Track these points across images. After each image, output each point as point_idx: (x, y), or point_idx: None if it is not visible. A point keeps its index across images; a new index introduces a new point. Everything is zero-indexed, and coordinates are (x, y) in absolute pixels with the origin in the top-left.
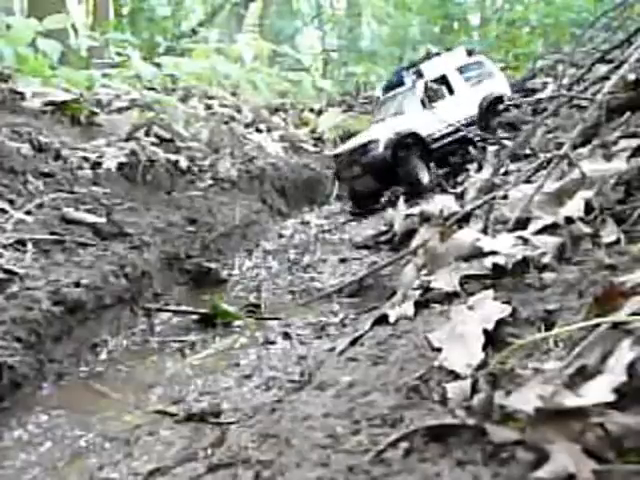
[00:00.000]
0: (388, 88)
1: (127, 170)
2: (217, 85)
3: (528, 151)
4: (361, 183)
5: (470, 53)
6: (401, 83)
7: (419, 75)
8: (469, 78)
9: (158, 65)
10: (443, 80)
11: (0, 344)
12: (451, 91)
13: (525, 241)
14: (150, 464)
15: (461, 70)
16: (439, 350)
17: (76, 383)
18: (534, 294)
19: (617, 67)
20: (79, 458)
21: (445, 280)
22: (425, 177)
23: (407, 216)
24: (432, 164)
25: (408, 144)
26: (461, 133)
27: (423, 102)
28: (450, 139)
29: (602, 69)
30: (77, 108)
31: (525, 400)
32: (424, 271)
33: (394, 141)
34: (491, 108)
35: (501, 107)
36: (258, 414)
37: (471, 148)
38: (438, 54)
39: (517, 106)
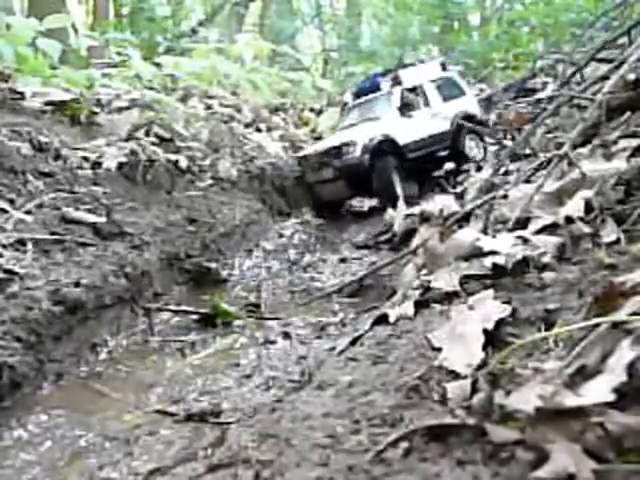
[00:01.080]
0: (359, 94)
1: (127, 170)
2: (217, 85)
3: (528, 151)
4: (331, 188)
5: (444, 67)
6: (375, 89)
7: (397, 82)
8: (443, 93)
9: (158, 65)
10: (419, 91)
11: (0, 344)
12: (427, 103)
13: (525, 241)
14: (150, 464)
15: (436, 83)
16: (439, 350)
17: (76, 383)
18: (534, 294)
19: (617, 67)
20: (79, 458)
21: (445, 280)
22: (399, 189)
23: (407, 216)
24: (404, 175)
25: (385, 151)
26: (434, 147)
27: (401, 109)
28: (425, 151)
29: (602, 68)
30: (77, 108)
31: (525, 400)
32: (424, 271)
33: (372, 146)
34: (462, 126)
35: (471, 126)
36: (258, 414)
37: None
38: (413, 64)
39: (485, 125)
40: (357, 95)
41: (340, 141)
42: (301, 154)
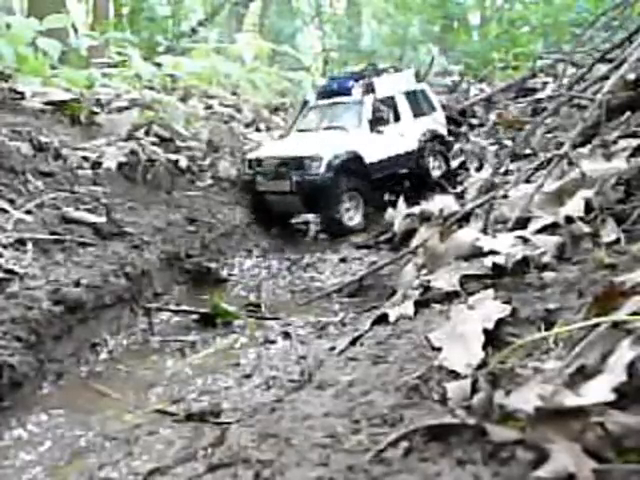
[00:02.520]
0: (325, 94)
1: (127, 170)
2: (217, 85)
3: (528, 151)
4: (284, 202)
5: (418, 77)
6: (344, 92)
7: (370, 90)
8: (414, 107)
9: (158, 65)
10: (391, 103)
11: (0, 343)
12: (397, 118)
13: (525, 240)
14: (150, 463)
15: (408, 96)
16: (439, 350)
17: (76, 383)
18: (534, 293)
19: (617, 67)
20: (79, 457)
21: (445, 280)
22: (356, 214)
23: (407, 216)
24: (363, 198)
25: (350, 170)
26: (399, 168)
27: (371, 123)
28: (389, 172)
29: (602, 69)
30: (77, 108)
31: (525, 399)
32: (424, 271)
33: (338, 163)
34: (429, 146)
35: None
36: (258, 413)
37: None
38: (386, 70)
39: (451, 146)
40: (322, 95)
41: (303, 153)
42: (253, 156)
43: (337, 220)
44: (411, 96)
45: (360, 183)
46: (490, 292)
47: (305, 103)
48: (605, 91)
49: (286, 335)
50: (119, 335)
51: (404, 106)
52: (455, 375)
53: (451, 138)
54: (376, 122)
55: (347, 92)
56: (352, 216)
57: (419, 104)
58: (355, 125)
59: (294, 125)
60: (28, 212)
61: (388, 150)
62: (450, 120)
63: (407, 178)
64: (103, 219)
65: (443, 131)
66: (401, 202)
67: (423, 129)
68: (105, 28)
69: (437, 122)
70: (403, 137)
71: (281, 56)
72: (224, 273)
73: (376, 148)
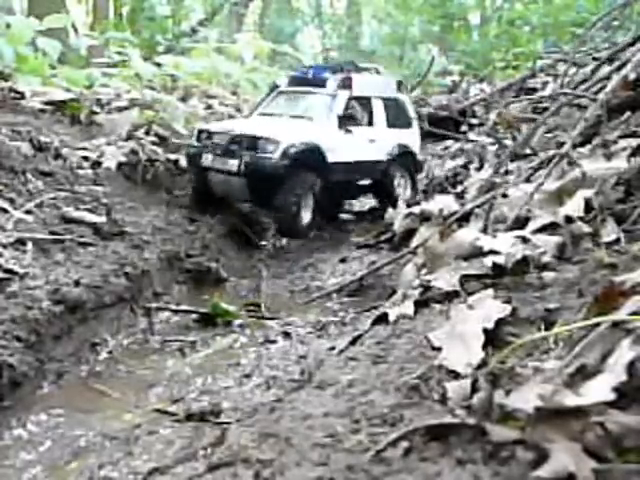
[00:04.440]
0: (296, 82)
1: (127, 169)
2: (217, 84)
3: (528, 151)
4: (228, 184)
5: (400, 87)
6: (318, 83)
7: (346, 85)
8: (390, 116)
9: (158, 64)
10: (366, 105)
11: (0, 343)
12: (370, 122)
13: (525, 240)
14: (150, 463)
15: (386, 103)
16: (439, 349)
17: (76, 382)
18: (534, 293)
19: (619, 67)
20: (79, 457)
21: (445, 279)
22: (307, 216)
23: (407, 215)
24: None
25: (308, 163)
26: (361, 176)
27: (341, 120)
28: (350, 177)
29: (603, 69)
30: (77, 107)
31: (525, 399)
32: (424, 270)
33: (295, 152)
34: (398, 162)
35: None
36: (258, 413)
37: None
38: (366, 69)
39: (420, 166)
40: (294, 82)
41: (259, 132)
42: (204, 127)
43: (291, 217)
44: (389, 104)
45: (316, 181)
46: (490, 292)
47: (275, 87)
48: (607, 90)
49: (286, 335)
50: (119, 335)
51: (379, 112)
52: (455, 375)
53: (421, 158)
54: (347, 120)
55: (321, 83)
56: (306, 215)
57: (396, 115)
58: (323, 118)
59: (259, 107)
60: (28, 212)
61: (354, 153)
62: (450, 120)
63: (369, 191)
64: (103, 219)
65: (416, 149)
66: (401, 202)
67: (395, 142)
68: (105, 28)
69: (411, 139)
70: (373, 144)
71: (281, 56)
72: (224, 273)
73: (342, 147)
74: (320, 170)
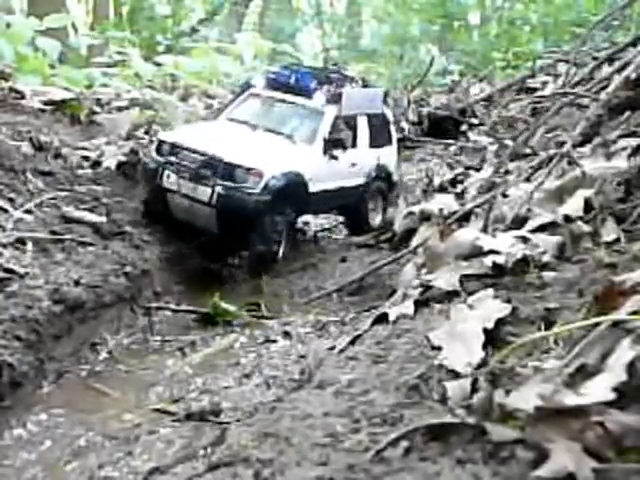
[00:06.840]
0: (276, 85)
1: (127, 169)
2: (217, 84)
3: (528, 150)
4: (193, 212)
5: (386, 99)
6: (303, 92)
7: (335, 100)
8: (373, 135)
9: (158, 64)
10: (352, 124)
11: (0, 343)
12: (354, 144)
13: (525, 240)
14: (150, 463)
15: (370, 121)
16: (439, 349)
17: (76, 382)
18: (534, 293)
19: (621, 68)
20: (79, 457)
21: (445, 279)
22: (282, 246)
23: (407, 215)
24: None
25: (290, 195)
26: (338, 202)
27: (327, 144)
28: (327, 205)
29: (604, 69)
30: (77, 107)
31: (525, 399)
32: (424, 270)
33: (279, 186)
34: (374, 186)
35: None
36: (258, 413)
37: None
38: (352, 79)
39: (395, 187)
40: (272, 85)
41: (238, 160)
42: (168, 138)
43: (270, 254)
44: (373, 121)
45: (295, 215)
46: (490, 292)
47: (247, 87)
48: (609, 90)
49: (286, 334)
50: (119, 335)
51: (364, 131)
52: (455, 374)
53: (397, 179)
54: (332, 144)
55: (306, 93)
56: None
57: (379, 132)
58: (307, 140)
59: (228, 108)
60: (28, 211)
61: (335, 181)
62: (450, 119)
63: (338, 211)
64: (103, 219)
65: (392, 168)
66: (401, 201)
67: (374, 163)
68: (105, 27)
69: (389, 158)
70: (354, 168)
71: (281, 55)
72: (224, 272)
73: (325, 176)
74: (301, 202)
